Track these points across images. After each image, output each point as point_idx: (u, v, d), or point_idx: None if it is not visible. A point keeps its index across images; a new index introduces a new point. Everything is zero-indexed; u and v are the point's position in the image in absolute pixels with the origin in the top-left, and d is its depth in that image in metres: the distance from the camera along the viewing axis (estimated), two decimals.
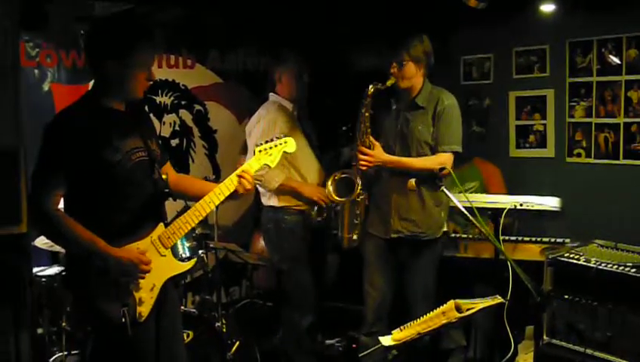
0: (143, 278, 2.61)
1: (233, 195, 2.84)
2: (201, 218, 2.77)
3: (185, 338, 3.84)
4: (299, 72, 4.29)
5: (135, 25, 2.72)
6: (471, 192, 4.45)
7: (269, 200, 4.33)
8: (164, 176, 2.77)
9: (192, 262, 2.88)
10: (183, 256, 3.83)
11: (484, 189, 4.50)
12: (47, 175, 2.57)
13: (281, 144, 2.91)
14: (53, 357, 3.73)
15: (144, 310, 2.61)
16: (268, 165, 2.89)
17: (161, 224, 2.70)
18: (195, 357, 3.86)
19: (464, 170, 4.58)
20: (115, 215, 2.64)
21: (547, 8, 4.63)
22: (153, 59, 2.79)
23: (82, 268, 2.58)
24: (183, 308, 3.99)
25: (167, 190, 2.84)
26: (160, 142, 3.02)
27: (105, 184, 2.60)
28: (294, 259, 4.32)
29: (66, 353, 3.66)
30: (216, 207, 4.10)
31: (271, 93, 4.38)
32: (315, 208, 4.21)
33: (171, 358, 2.81)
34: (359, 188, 3.79)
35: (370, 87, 3.72)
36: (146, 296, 2.62)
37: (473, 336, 4.43)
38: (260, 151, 2.87)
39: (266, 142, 2.90)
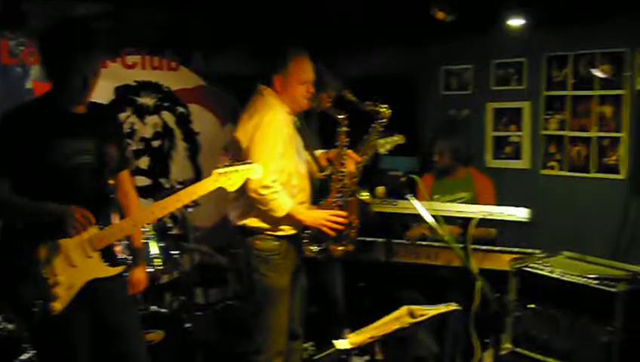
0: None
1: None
2: (136, 229, 2.90)
3: (155, 337, 3.90)
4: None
5: (85, 31, 2.75)
6: (461, 203, 4.46)
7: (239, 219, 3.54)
8: (110, 182, 2.83)
9: (121, 268, 2.87)
10: (152, 255, 3.89)
11: (475, 202, 4.42)
12: None
13: (244, 170, 2.88)
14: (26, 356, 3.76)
15: (58, 306, 2.67)
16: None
17: (95, 226, 2.74)
18: (166, 356, 3.91)
19: (458, 180, 4.61)
20: None
21: (526, 22, 4.70)
22: (100, 65, 2.83)
23: (5, 258, 2.70)
24: (154, 307, 4.03)
25: (112, 195, 2.89)
26: (123, 148, 3.08)
27: (41, 182, 2.70)
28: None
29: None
30: (187, 208, 4.15)
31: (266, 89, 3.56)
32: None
33: (125, 356, 2.89)
34: None
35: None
36: (63, 293, 2.68)
37: (446, 343, 4.46)
38: (219, 173, 2.84)
39: (230, 165, 2.87)
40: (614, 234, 4.41)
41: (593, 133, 4.64)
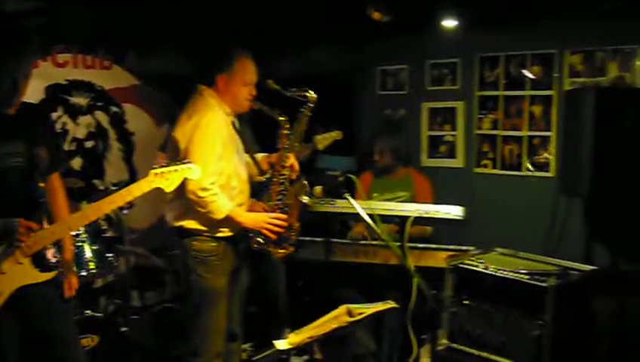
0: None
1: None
2: (69, 232, 2.88)
3: (90, 342, 3.82)
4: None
5: (15, 30, 2.68)
6: (399, 202, 4.52)
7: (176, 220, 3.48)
8: (41, 185, 2.77)
9: (52, 273, 2.81)
10: (86, 258, 3.81)
11: (414, 201, 4.46)
12: None
13: (182, 169, 2.83)
14: None
15: None
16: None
17: None
18: (101, 361, 3.83)
19: (397, 179, 4.66)
20: None
21: (459, 23, 4.79)
22: (31, 66, 2.75)
23: None
24: (89, 312, 3.95)
25: (42, 199, 2.82)
26: (56, 149, 3.01)
27: None
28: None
29: None
30: (122, 210, 4.09)
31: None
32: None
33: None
34: None
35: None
36: None
37: (383, 341, 4.51)
38: (156, 173, 2.78)
39: (167, 165, 2.81)
40: (545, 230, 4.54)
41: (524, 133, 4.78)
